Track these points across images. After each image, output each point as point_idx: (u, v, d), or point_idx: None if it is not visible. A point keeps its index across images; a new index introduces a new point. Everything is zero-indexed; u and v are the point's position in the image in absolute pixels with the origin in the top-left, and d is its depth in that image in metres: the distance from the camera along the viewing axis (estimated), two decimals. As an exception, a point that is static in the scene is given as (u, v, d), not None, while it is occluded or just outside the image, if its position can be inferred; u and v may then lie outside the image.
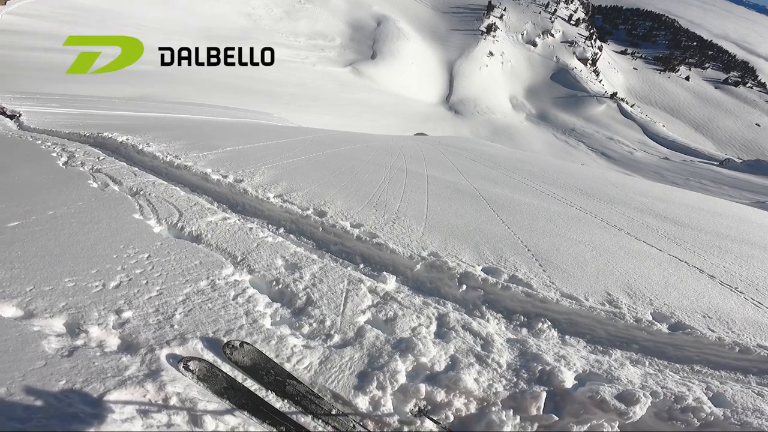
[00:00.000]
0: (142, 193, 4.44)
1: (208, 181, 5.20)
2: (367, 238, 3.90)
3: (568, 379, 2.31)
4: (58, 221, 3.25)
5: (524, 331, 2.91)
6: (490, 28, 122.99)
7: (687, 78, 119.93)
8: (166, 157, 6.06)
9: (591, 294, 3.28)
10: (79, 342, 1.99)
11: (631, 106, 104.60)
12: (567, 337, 2.89)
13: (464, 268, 3.47)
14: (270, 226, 4.21)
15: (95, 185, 4.47)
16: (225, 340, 2.17)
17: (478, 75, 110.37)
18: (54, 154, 5.80)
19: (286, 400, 1.98)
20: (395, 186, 6.31)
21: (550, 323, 2.97)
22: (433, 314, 2.78)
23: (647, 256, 4.48)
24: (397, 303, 2.85)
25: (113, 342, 2.04)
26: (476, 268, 3.58)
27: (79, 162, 5.38)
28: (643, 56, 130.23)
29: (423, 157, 10.61)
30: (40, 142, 6.84)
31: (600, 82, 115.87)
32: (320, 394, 2.04)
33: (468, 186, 7.20)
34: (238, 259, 3.18)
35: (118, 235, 3.17)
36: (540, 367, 2.36)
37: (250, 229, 3.88)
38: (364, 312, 2.69)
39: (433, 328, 2.64)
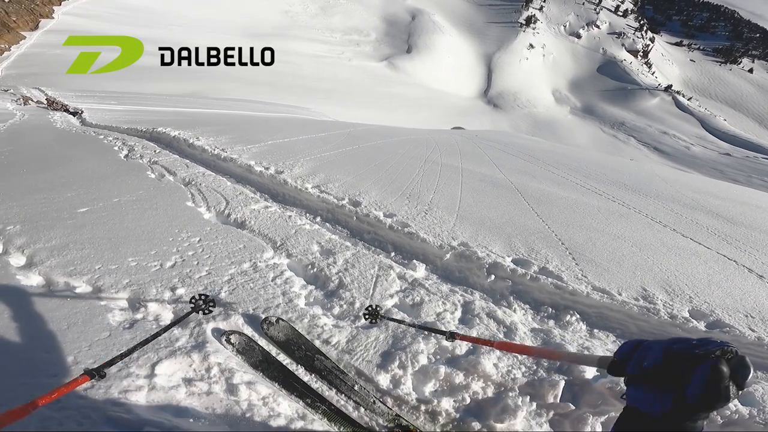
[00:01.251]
0: (193, 183, 4.83)
1: (251, 173, 5.55)
2: (399, 228, 4.03)
3: (589, 370, 2.32)
4: (122, 208, 3.66)
5: (551, 322, 2.92)
6: (530, 20, 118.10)
7: (750, 70, 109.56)
8: (214, 150, 6.50)
9: (625, 289, 3.22)
10: (139, 316, 2.26)
11: (688, 99, 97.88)
12: (596, 330, 2.87)
13: (493, 258, 3.51)
14: (307, 214, 4.44)
15: (153, 176, 4.93)
16: (263, 316, 2.39)
17: (518, 68, 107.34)
18: (116, 148, 6.42)
19: (313, 374, 2.15)
20: (429, 178, 6.38)
21: (578, 316, 2.96)
22: (459, 301, 2.86)
23: (692, 253, 4.26)
24: (425, 289, 2.96)
25: (168, 316, 2.31)
26: (506, 259, 3.60)
27: (138, 155, 5.93)
28: (701, 48, 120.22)
29: (459, 151, 10.54)
30: (102, 137, 7.57)
31: (653, 74, 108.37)
32: (345, 370, 2.20)
33: (503, 179, 7.12)
34: (278, 244, 3.42)
35: (173, 220, 3.51)
36: (562, 357, 2.38)
37: (289, 217, 4.12)
38: (392, 296, 2.83)
39: (458, 314, 2.73)
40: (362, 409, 2.01)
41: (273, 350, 2.24)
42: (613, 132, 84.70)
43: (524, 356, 2.39)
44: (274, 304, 2.52)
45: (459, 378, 2.24)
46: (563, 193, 6.43)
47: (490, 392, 2.25)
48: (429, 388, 2.20)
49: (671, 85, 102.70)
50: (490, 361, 2.30)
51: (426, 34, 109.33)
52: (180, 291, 2.51)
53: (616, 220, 5.20)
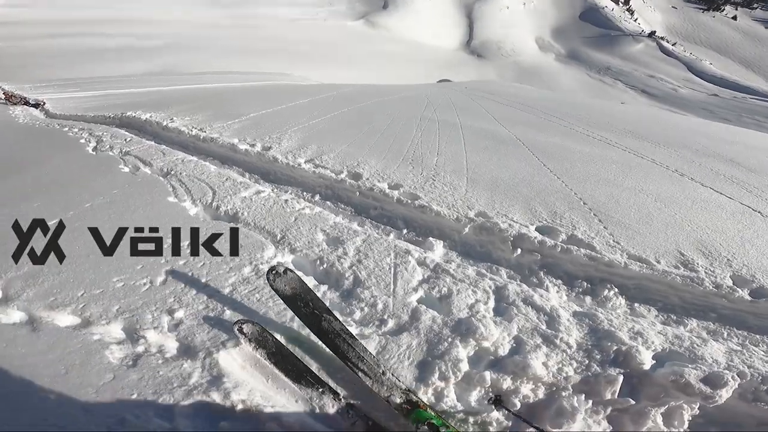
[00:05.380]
0: (173, 173, 4.36)
1: (236, 152, 5.06)
2: (408, 201, 3.69)
3: (647, 360, 2.09)
4: (96, 214, 3.22)
5: (588, 299, 2.68)
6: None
7: (734, 17, 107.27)
8: (191, 131, 5.93)
9: (662, 255, 2.96)
10: (140, 348, 1.95)
11: (673, 45, 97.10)
12: (636, 305, 2.63)
13: (517, 229, 3.21)
14: (305, 194, 4.05)
15: (126, 170, 4.42)
16: (270, 268, 2.14)
17: (500, 17, 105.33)
18: (82, 141, 5.79)
19: (320, 338, 1.97)
20: (429, 139, 5.95)
21: (617, 290, 2.71)
22: (490, 287, 2.58)
23: (717, 205, 4.01)
24: (450, 276, 2.67)
25: (172, 345, 1.99)
26: (530, 228, 3.30)
27: (108, 146, 5.35)
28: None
29: (453, 105, 9.96)
30: (67, 128, 6.85)
31: (635, 20, 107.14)
32: (355, 336, 1.99)
33: (506, 133, 6.70)
34: (278, 238, 3.06)
35: (156, 223, 3.10)
36: (615, 347, 2.14)
37: (286, 201, 3.73)
38: (415, 289, 2.53)
39: (492, 304, 2.45)
40: (372, 383, 1.82)
41: (283, 339, 2.05)
42: (599, 76, 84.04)
43: (574, 350, 2.15)
44: (288, 318, 2.20)
45: (507, 383, 2.00)
46: (571, 145, 6.06)
47: (541, 393, 2.02)
48: (474, 396, 1.97)
49: (654, 31, 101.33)
50: (539, 360, 2.05)
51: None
52: (179, 314, 2.17)
53: (632, 171, 4.89)
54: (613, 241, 3.13)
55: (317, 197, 4.00)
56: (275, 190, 4.12)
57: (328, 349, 1.98)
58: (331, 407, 1.78)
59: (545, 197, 3.88)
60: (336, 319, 1.99)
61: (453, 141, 5.93)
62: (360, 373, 1.84)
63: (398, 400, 1.78)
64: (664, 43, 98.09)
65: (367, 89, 13.93)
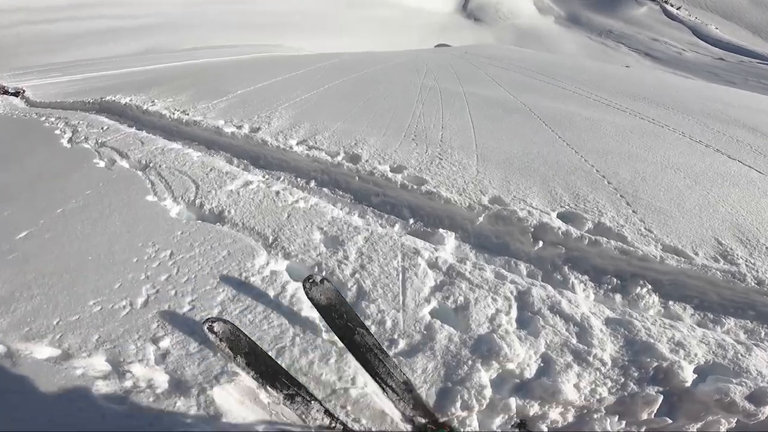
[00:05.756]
0: (152, 165, 4.00)
1: (222, 135, 4.68)
2: (414, 186, 3.35)
3: (689, 377, 1.85)
4: (68, 221, 2.90)
5: (618, 298, 2.41)
6: None
7: None
8: (174, 114, 5.50)
9: (699, 244, 2.66)
10: (128, 383, 1.73)
11: (678, 9, 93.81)
12: (671, 303, 2.37)
13: (537, 217, 2.89)
14: (299, 180, 3.73)
15: (102, 164, 4.06)
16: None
17: None
18: (58, 132, 5.37)
19: (351, 351, 1.85)
20: (431, 110, 5.53)
21: (650, 286, 2.44)
22: (512, 293, 2.30)
23: (748, 181, 3.66)
24: (466, 281, 2.38)
25: (161, 379, 1.76)
26: (551, 215, 2.98)
27: (83, 137, 4.94)
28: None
29: (454, 72, 9.36)
30: (44, 118, 6.40)
31: None
32: (387, 352, 1.83)
33: (514, 101, 6.25)
34: (270, 240, 2.76)
35: (133, 228, 2.79)
36: (655, 363, 1.89)
37: (277, 193, 3.40)
38: (428, 300, 2.25)
39: (514, 314, 2.18)
40: (398, 401, 1.72)
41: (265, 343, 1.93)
42: (601, 40, 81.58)
43: (609, 368, 1.90)
44: (287, 342, 1.95)
45: (534, 409, 1.77)
46: (585, 112, 5.62)
47: (571, 417, 1.80)
48: (498, 422, 1.74)
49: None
50: (570, 383, 1.80)
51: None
52: (165, 342, 1.91)
53: (654, 142, 4.51)
54: (645, 228, 2.81)
55: (312, 183, 3.67)
56: (266, 177, 3.78)
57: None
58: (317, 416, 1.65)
59: (565, 176, 3.54)
60: (369, 333, 1.85)
61: (458, 112, 5.51)
62: (388, 390, 1.73)
63: (423, 421, 1.70)
64: (668, 7, 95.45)
65: (362, 57, 13.15)
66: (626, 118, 5.49)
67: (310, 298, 1.96)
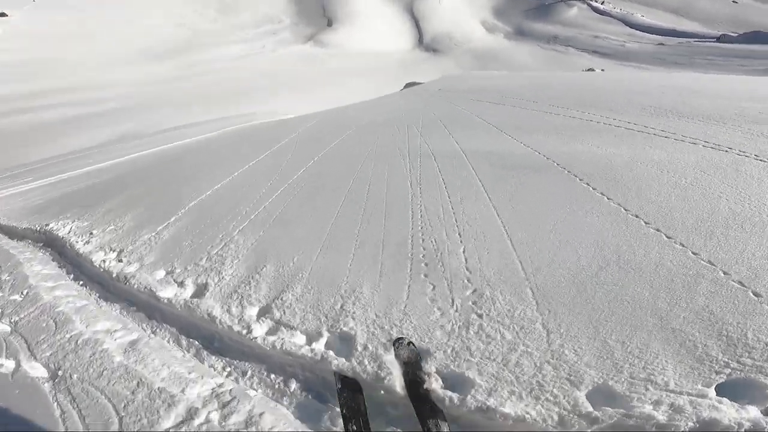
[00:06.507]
0: (62, 373, 2.61)
1: (158, 302, 3.32)
2: (456, 401, 1.96)
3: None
4: None
5: None
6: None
7: None
8: (105, 262, 4.18)
9: None
10: None
11: (602, 3, 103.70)
12: None
13: (694, 412, 1.56)
14: (274, 380, 2.38)
15: (5, 369, 2.68)
16: None
17: (441, 10, 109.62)
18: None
19: None
20: (433, 196, 4.30)
21: None
22: None
23: None
24: None
25: None
26: (712, 399, 1.64)
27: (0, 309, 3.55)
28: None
29: (438, 120, 8.34)
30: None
31: None
32: None
33: (525, 152, 5.12)
34: None
35: None
36: None
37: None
38: None
39: None
40: None
41: None
42: (550, 46, 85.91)
43: None
44: None
45: None
46: (623, 152, 4.44)
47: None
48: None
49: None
50: None
51: (340, 3, 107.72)
52: None
53: (747, 182, 3.27)
54: None
55: (293, 386, 2.31)
56: (228, 378, 2.44)
57: None
58: None
59: (688, 300, 2.21)
60: None
61: (467, 189, 4.30)
62: None
63: None
64: (594, 3, 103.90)
65: (332, 118, 12.19)
66: (686, 148, 4.30)
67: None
